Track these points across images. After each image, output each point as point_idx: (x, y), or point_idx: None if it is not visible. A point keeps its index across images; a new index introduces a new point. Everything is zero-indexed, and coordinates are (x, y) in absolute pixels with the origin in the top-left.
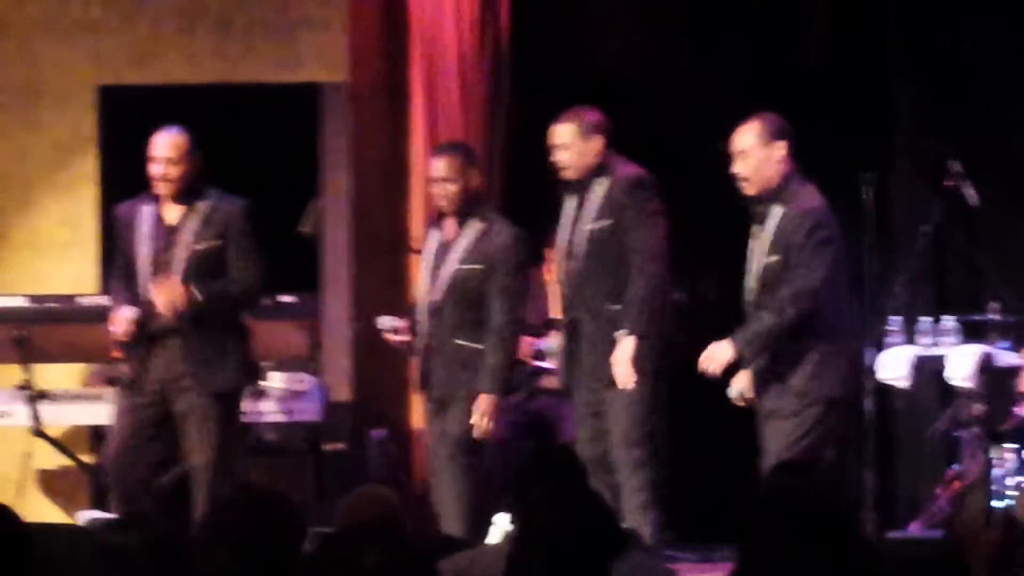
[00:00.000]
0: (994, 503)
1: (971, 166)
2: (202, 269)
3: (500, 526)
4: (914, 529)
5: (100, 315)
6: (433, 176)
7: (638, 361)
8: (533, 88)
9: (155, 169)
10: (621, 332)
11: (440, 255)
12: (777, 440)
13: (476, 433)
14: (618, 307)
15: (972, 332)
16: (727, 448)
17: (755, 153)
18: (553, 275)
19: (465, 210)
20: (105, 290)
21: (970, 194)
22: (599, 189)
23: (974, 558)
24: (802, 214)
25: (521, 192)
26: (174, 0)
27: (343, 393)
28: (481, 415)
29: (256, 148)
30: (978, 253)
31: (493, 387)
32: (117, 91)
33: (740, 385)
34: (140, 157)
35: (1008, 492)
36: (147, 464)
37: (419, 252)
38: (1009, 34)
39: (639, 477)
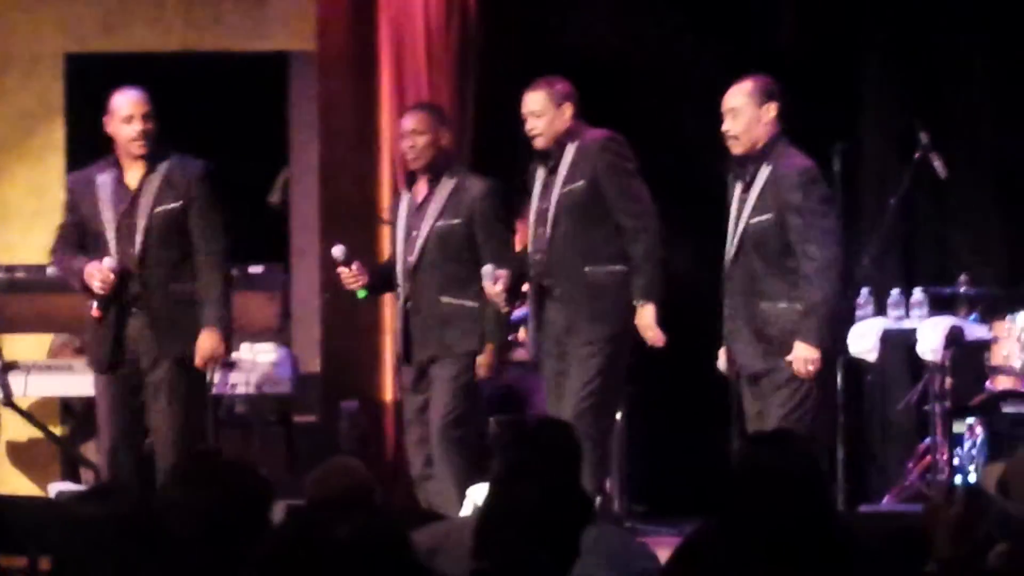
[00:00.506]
0: (957, 478)
1: (939, 139)
2: (164, 231)
3: (475, 498)
4: (886, 503)
5: (67, 285)
6: (403, 129)
7: (620, 323)
8: (501, 58)
9: (133, 128)
10: (638, 300)
11: (413, 216)
12: (775, 407)
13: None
14: (595, 269)
15: (941, 305)
16: (700, 420)
17: (746, 112)
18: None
19: (436, 168)
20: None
21: (939, 166)
22: (568, 154)
23: (936, 533)
24: (796, 171)
25: (488, 163)
26: None
27: (313, 365)
28: (488, 366)
29: (224, 117)
30: (947, 225)
31: (502, 336)
32: (84, 59)
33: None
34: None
35: (971, 466)
36: (139, 445)
37: (389, 222)
38: (978, 9)
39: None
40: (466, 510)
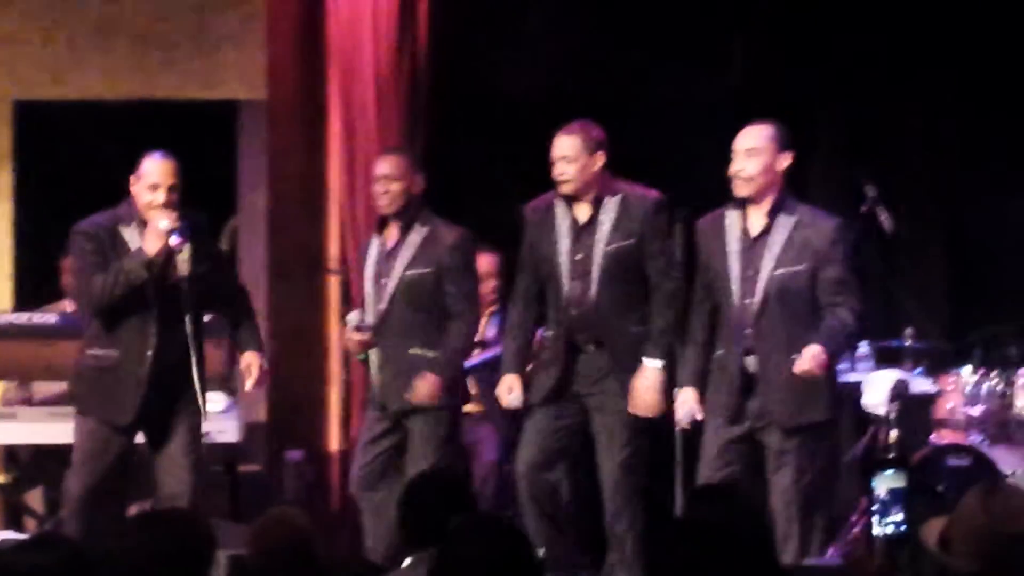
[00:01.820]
0: (876, 531)
1: (886, 192)
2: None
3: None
4: (830, 556)
5: (15, 332)
6: (377, 174)
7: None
8: (450, 107)
9: (156, 197)
10: (649, 359)
11: (383, 263)
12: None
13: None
14: (640, 329)
15: (887, 358)
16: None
17: (764, 156)
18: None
19: (408, 215)
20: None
21: (885, 220)
22: (610, 208)
23: None
24: (834, 228)
25: (437, 210)
26: (92, 15)
27: (259, 413)
28: (426, 395)
29: None
30: (893, 279)
31: (444, 370)
32: (34, 106)
33: (690, 404)
34: (56, 173)
35: (891, 519)
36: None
37: (336, 272)
38: (924, 63)
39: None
40: (406, 562)
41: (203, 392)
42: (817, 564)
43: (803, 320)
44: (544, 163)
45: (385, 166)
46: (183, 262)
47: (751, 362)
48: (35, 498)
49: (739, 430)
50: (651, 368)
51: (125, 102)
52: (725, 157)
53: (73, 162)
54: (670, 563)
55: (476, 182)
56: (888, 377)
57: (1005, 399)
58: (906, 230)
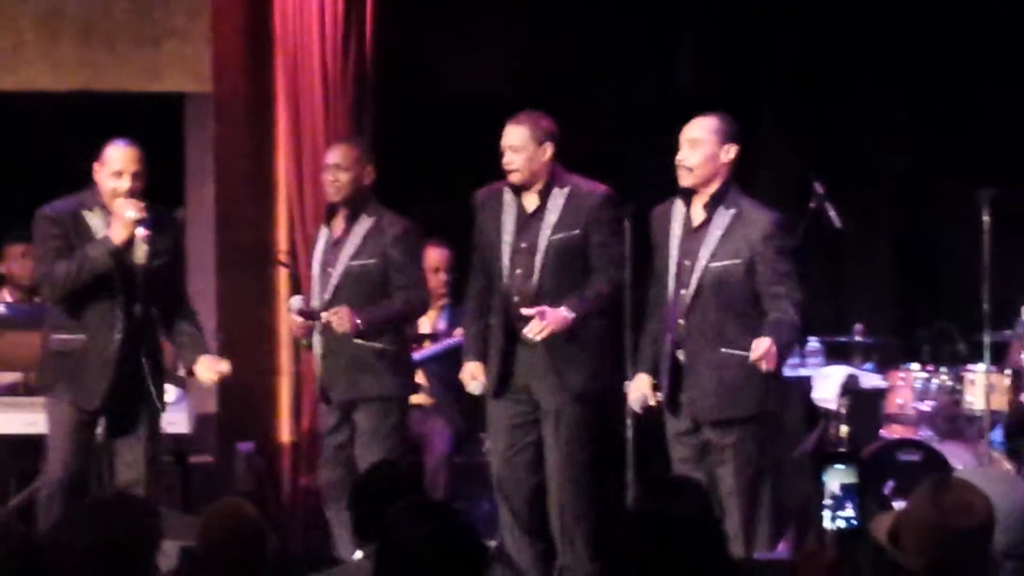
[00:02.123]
0: (827, 525)
1: (834, 189)
2: (154, 283)
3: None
4: (781, 550)
5: None
6: (327, 162)
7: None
8: (396, 101)
9: (120, 184)
10: (566, 308)
11: (329, 252)
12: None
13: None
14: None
15: (837, 354)
16: (597, 464)
17: (707, 147)
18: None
19: (355, 205)
20: None
21: (834, 216)
22: (558, 199)
23: None
24: (771, 222)
25: (387, 205)
26: (37, 7)
27: (209, 405)
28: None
29: None
30: (842, 275)
31: (367, 315)
32: None
33: (643, 390)
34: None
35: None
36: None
37: (285, 264)
38: (871, 58)
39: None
40: (357, 554)
41: (158, 384)
42: (768, 558)
43: (735, 314)
44: (492, 159)
45: (335, 155)
46: (141, 251)
47: (681, 354)
48: None
49: (684, 424)
50: (561, 310)
51: (71, 94)
52: (672, 155)
53: (18, 154)
54: (620, 555)
55: (424, 177)
56: (838, 372)
57: (954, 395)
58: (854, 226)
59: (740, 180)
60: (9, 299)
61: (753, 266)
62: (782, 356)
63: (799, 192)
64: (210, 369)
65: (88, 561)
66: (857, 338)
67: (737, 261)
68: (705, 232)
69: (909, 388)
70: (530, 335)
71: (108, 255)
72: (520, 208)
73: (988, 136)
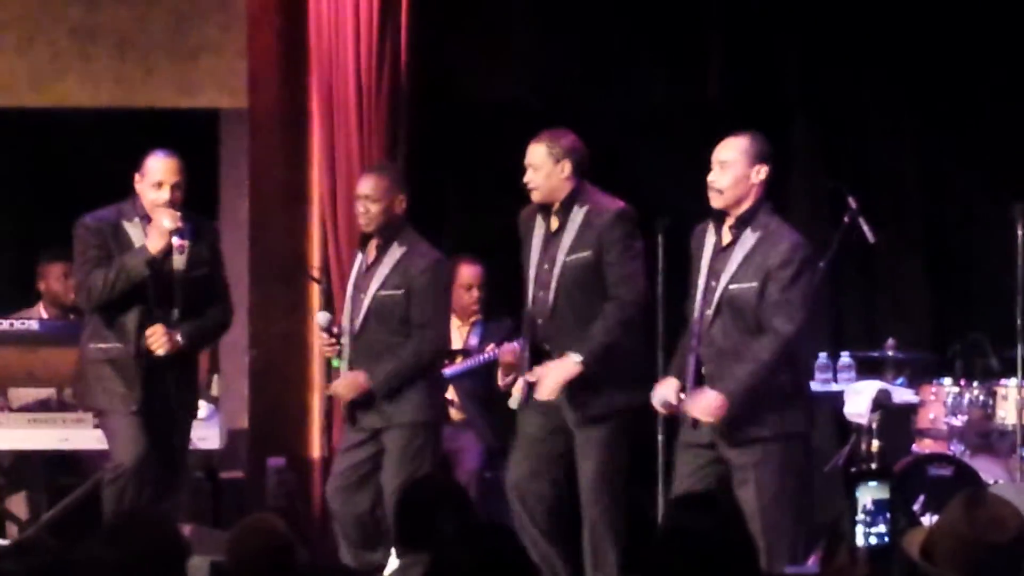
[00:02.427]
0: (860, 541)
1: (867, 203)
2: (195, 291)
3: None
4: (811, 564)
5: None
6: (358, 193)
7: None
8: (432, 115)
9: (160, 196)
10: (572, 352)
11: (361, 279)
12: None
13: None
14: None
15: (868, 369)
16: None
17: (737, 168)
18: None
19: (387, 234)
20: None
21: (867, 231)
22: (576, 218)
23: None
24: (790, 247)
25: (418, 220)
26: (72, 23)
27: (241, 420)
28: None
29: None
30: (874, 290)
31: (379, 387)
32: (14, 114)
33: (667, 391)
34: (37, 180)
35: (875, 530)
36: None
37: (318, 280)
38: (907, 73)
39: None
40: (394, 563)
41: (192, 393)
42: (799, 572)
43: (753, 335)
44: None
45: (366, 186)
46: (179, 260)
47: (705, 370)
48: (18, 504)
49: (703, 437)
50: (569, 359)
51: (106, 110)
52: (705, 167)
53: (53, 170)
54: (652, 572)
55: (460, 191)
56: (870, 387)
57: (987, 409)
58: (887, 240)
59: (772, 195)
60: (45, 316)
61: (766, 288)
62: (747, 398)
63: (832, 206)
64: (160, 336)
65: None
66: (889, 353)
67: (753, 284)
68: (731, 253)
69: (941, 403)
70: (541, 399)
71: (145, 264)
72: (547, 228)
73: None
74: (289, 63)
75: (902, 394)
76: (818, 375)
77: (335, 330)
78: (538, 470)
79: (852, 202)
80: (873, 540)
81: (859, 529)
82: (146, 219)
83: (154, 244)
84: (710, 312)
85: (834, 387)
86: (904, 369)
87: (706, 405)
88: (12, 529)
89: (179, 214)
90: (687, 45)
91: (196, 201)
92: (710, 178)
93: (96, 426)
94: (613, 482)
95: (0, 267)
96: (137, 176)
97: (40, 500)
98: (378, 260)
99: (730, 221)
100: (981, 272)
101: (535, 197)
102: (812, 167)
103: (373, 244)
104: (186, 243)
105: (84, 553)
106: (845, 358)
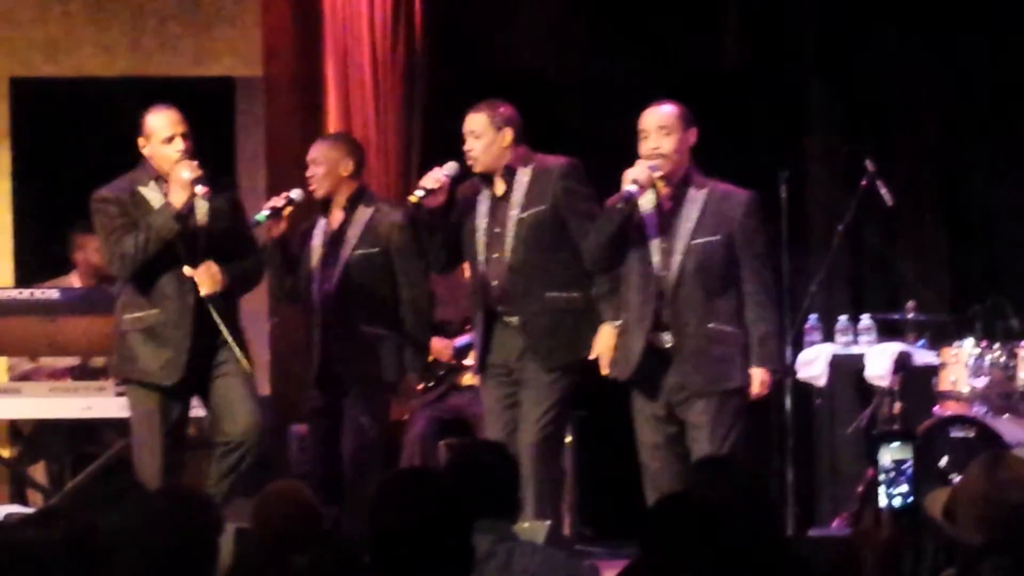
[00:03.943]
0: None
1: (885, 166)
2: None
3: None
4: (835, 527)
5: (18, 308)
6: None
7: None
8: (447, 83)
9: (174, 148)
10: (608, 322)
11: (329, 244)
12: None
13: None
14: (555, 295)
15: (889, 331)
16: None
17: (676, 134)
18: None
19: (343, 197)
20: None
21: (885, 194)
22: (523, 179)
23: (867, 557)
24: (746, 198)
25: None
26: None
27: (263, 388)
28: (407, 395)
29: None
30: (894, 252)
31: (418, 365)
32: (30, 83)
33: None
34: (53, 149)
35: (897, 491)
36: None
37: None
38: (923, 36)
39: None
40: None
41: (241, 344)
42: (824, 534)
43: (717, 290)
44: (545, 139)
45: (311, 151)
46: (201, 211)
47: (666, 337)
48: (39, 472)
49: (659, 408)
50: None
51: (121, 79)
52: (721, 133)
53: (70, 139)
54: (672, 537)
55: None
56: (891, 349)
57: (1008, 371)
58: (906, 203)
59: (790, 160)
60: (78, 285)
61: (732, 241)
62: (776, 359)
63: (850, 169)
64: (205, 272)
65: (151, 549)
66: (910, 315)
67: (717, 237)
68: (680, 213)
69: (962, 364)
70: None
71: (173, 220)
72: (492, 195)
73: None
74: (304, 31)
75: (923, 356)
76: (839, 338)
77: (295, 198)
78: (511, 432)
79: (870, 165)
80: (897, 501)
81: (881, 490)
82: (161, 180)
83: (177, 198)
84: (669, 273)
85: (855, 350)
86: (925, 331)
87: (762, 383)
88: (35, 497)
89: (196, 163)
90: (703, 11)
91: (213, 170)
92: (651, 145)
93: (119, 394)
94: (552, 439)
95: (31, 240)
96: (141, 140)
97: (63, 469)
98: (346, 223)
99: (674, 183)
100: (1001, 233)
101: (476, 168)
102: (830, 127)
103: (337, 209)
104: (209, 189)
105: (115, 522)
106: (866, 320)
